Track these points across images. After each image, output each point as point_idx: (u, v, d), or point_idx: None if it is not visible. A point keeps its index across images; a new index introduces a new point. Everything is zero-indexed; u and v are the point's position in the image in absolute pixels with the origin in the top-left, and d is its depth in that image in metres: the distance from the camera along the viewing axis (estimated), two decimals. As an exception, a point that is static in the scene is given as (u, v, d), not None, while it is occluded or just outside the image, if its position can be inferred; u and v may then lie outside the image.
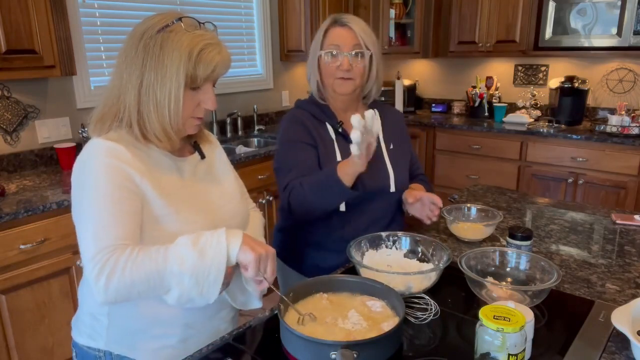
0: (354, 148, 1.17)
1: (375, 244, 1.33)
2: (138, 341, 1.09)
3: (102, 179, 0.97)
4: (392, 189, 1.51)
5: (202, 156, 1.19)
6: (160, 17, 1.03)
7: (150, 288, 0.94)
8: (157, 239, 1.02)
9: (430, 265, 1.26)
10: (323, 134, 1.48)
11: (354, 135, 1.14)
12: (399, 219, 1.60)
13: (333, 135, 1.50)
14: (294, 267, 1.60)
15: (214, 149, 1.26)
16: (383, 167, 1.52)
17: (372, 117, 1.15)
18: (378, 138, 1.52)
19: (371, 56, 1.45)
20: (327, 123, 1.51)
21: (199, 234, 0.96)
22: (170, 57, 0.98)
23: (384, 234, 1.35)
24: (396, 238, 1.35)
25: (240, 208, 1.22)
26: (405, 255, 1.32)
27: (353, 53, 1.42)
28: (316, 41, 1.47)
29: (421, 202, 1.45)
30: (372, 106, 1.57)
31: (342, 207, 1.45)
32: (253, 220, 1.30)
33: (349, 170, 1.26)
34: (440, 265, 1.19)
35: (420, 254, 1.32)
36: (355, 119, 1.13)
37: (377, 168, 1.48)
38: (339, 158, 1.47)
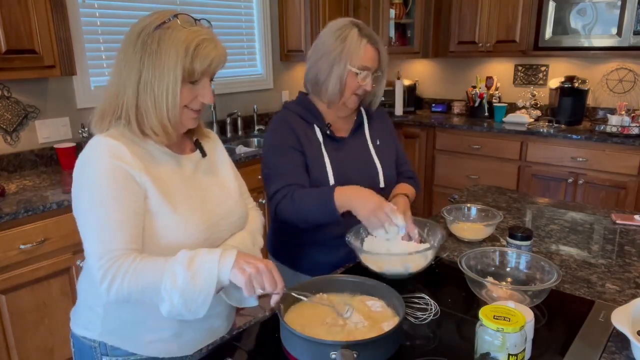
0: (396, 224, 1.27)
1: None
2: (132, 333, 1.11)
3: (105, 181, 1.00)
4: (382, 184, 1.53)
5: (204, 154, 1.21)
6: (157, 15, 1.05)
7: (146, 298, 0.98)
8: (154, 234, 1.04)
9: (426, 245, 1.30)
10: (310, 136, 1.48)
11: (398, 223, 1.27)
12: None
13: (321, 138, 1.49)
14: (288, 264, 1.58)
15: (216, 147, 1.28)
16: (371, 164, 1.54)
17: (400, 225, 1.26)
18: (364, 136, 1.57)
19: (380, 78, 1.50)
20: (315, 125, 1.50)
21: (197, 253, 0.98)
22: (167, 53, 1.00)
23: None
24: None
25: (238, 206, 1.23)
26: (403, 239, 1.32)
27: (374, 75, 1.46)
28: (347, 51, 1.41)
29: None
30: (365, 108, 1.61)
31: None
32: (253, 219, 1.30)
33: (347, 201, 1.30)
34: (435, 244, 1.24)
35: (417, 235, 1.35)
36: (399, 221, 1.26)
37: (365, 165, 1.52)
38: (326, 159, 1.47)
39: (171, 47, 1.00)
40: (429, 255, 1.24)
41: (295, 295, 1.04)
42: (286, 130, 1.47)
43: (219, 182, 1.22)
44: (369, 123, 1.60)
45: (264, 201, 2.97)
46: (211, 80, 1.10)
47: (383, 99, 3.13)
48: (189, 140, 1.21)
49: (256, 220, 1.32)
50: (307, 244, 1.53)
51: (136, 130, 1.06)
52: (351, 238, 1.28)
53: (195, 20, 1.06)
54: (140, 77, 1.02)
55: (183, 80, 1.03)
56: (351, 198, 1.30)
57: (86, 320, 1.14)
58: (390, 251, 1.28)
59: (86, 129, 2.58)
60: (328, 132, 1.49)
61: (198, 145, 1.21)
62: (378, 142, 1.58)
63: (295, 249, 1.56)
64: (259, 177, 2.92)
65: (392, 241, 1.32)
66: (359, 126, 1.57)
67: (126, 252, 0.98)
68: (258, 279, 0.96)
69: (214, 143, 1.28)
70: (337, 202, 1.30)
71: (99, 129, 1.08)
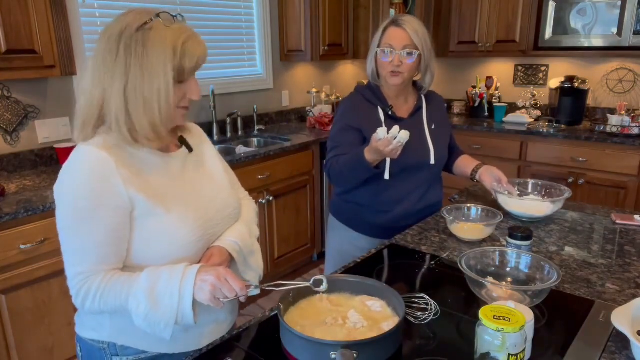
0: (376, 136, 1.43)
1: None
2: (141, 331, 1.09)
3: (82, 199, 0.99)
4: (432, 161, 1.74)
5: (190, 149, 1.19)
6: (134, 15, 1.01)
7: (119, 313, 1.05)
8: (151, 237, 1.05)
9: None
10: (373, 116, 1.71)
11: (380, 131, 1.42)
12: (438, 187, 1.85)
13: (382, 117, 1.71)
14: (350, 226, 1.83)
15: (201, 141, 1.27)
16: (425, 143, 1.74)
17: (397, 131, 1.39)
18: (422, 119, 1.77)
19: (420, 55, 1.67)
20: (378, 107, 1.72)
21: (158, 279, 1.01)
22: (155, 54, 0.98)
23: None
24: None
25: (231, 199, 1.23)
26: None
27: (404, 52, 1.64)
28: (376, 37, 1.70)
29: (500, 186, 1.76)
30: (425, 95, 1.83)
31: (387, 176, 1.68)
32: (247, 209, 1.30)
33: (372, 155, 1.49)
34: (559, 200, 1.70)
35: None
36: (381, 132, 1.41)
37: (419, 144, 1.72)
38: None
39: (159, 48, 0.98)
40: (553, 207, 1.67)
41: (265, 288, 1.05)
42: (349, 110, 1.75)
43: (209, 176, 1.22)
44: (427, 109, 1.80)
45: (264, 201, 2.97)
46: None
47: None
48: (174, 137, 1.19)
49: (250, 210, 1.32)
50: (361, 206, 1.76)
51: (128, 137, 1.03)
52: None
53: (174, 17, 1.04)
54: (128, 82, 0.99)
55: (173, 81, 1.00)
56: (370, 152, 1.50)
57: (94, 323, 1.13)
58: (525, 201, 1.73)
59: (86, 129, 2.58)
60: (390, 112, 1.72)
61: (183, 142, 1.19)
62: (433, 127, 1.79)
63: (351, 211, 1.80)
64: (259, 177, 2.93)
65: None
66: (418, 109, 1.78)
67: (96, 273, 1.02)
68: (218, 293, 1.00)
69: (198, 137, 1.26)
70: (368, 158, 1.51)
71: (83, 137, 1.05)
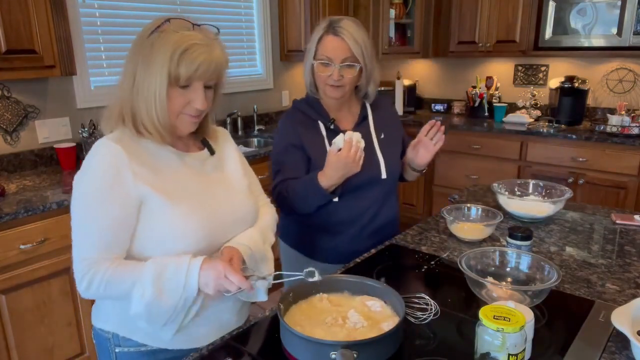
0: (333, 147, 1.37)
1: None
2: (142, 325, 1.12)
3: (95, 186, 1.05)
4: (384, 175, 1.59)
5: (212, 152, 1.22)
6: (157, 19, 1.08)
7: (122, 300, 1.07)
8: (157, 232, 1.07)
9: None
10: (314, 132, 1.57)
11: (338, 139, 1.36)
12: (393, 204, 1.69)
13: (324, 132, 1.57)
14: (300, 250, 1.67)
15: (225, 144, 1.29)
16: (373, 157, 1.59)
17: (352, 137, 1.34)
18: (369, 129, 1.62)
19: (361, 67, 1.51)
20: (319, 121, 1.58)
21: (166, 266, 1.04)
22: (156, 56, 1.02)
23: None
24: None
25: (246, 202, 1.24)
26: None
27: (344, 65, 1.48)
28: (310, 47, 1.53)
29: (422, 143, 1.57)
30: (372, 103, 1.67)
31: (335, 198, 1.51)
32: (264, 215, 1.30)
33: (335, 174, 1.39)
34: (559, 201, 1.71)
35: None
36: (339, 140, 1.36)
37: (368, 158, 1.51)
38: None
39: (160, 50, 1.02)
40: (554, 207, 1.66)
41: (259, 278, 1.10)
42: (288, 128, 1.58)
43: (226, 180, 1.24)
44: (373, 116, 1.65)
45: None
46: (211, 87, 1.10)
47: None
48: (196, 139, 1.23)
49: (267, 217, 1.31)
50: (310, 227, 1.62)
51: (132, 128, 1.09)
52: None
53: (195, 25, 1.06)
54: (135, 80, 1.06)
55: (170, 85, 1.04)
56: (329, 173, 1.40)
57: (103, 313, 1.18)
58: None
59: (86, 129, 2.58)
60: (332, 126, 1.57)
61: (205, 144, 1.22)
62: (382, 135, 1.64)
63: (301, 233, 1.65)
64: (259, 177, 2.90)
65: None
66: (363, 119, 1.63)
67: (99, 261, 1.04)
68: (221, 288, 1.03)
69: (223, 141, 1.29)
70: (324, 184, 1.41)
71: (106, 129, 1.12)
